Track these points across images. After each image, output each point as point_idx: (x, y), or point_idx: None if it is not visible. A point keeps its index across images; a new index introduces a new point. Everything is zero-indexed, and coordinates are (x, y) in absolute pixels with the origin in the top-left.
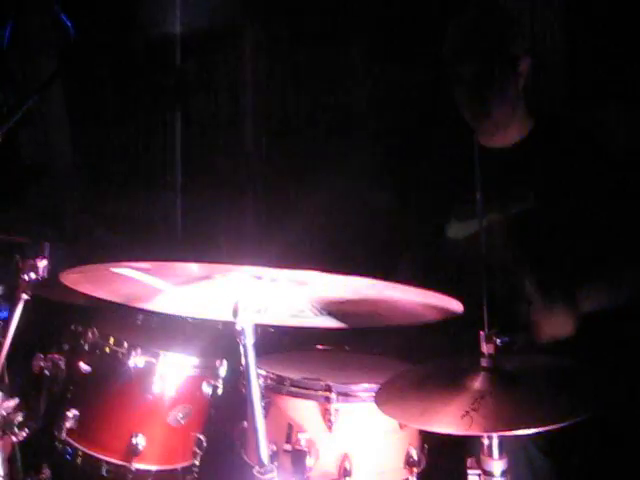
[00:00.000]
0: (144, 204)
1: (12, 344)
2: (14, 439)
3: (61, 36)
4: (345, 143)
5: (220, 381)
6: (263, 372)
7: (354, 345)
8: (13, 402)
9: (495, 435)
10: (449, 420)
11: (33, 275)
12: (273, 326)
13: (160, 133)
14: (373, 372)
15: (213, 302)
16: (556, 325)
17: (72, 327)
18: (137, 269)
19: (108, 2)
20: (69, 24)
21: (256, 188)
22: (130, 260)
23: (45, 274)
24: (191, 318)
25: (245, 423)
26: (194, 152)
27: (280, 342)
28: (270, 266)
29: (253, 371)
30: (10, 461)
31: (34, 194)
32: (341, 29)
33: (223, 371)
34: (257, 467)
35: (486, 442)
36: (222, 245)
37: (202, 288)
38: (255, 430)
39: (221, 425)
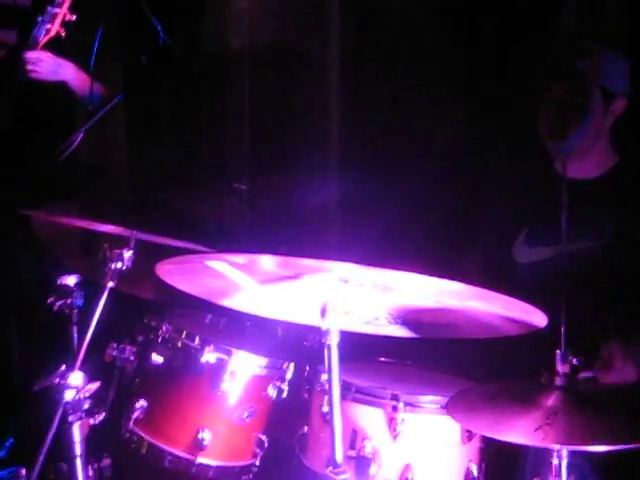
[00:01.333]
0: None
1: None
2: (90, 422)
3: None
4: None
5: (286, 384)
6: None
7: (417, 360)
8: (95, 385)
9: (565, 453)
10: (522, 432)
11: (119, 265)
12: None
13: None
14: (438, 386)
15: (293, 304)
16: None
17: (145, 320)
18: (232, 263)
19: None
20: (159, 28)
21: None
22: (227, 252)
23: (130, 265)
24: (254, 322)
25: (306, 428)
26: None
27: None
28: (363, 266)
29: (336, 372)
30: (87, 443)
31: (89, 194)
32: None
33: (289, 374)
34: (331, 468)
35: (555, 462)
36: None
37: (284, 288)
38: (332, 430)
39: (281, 428)
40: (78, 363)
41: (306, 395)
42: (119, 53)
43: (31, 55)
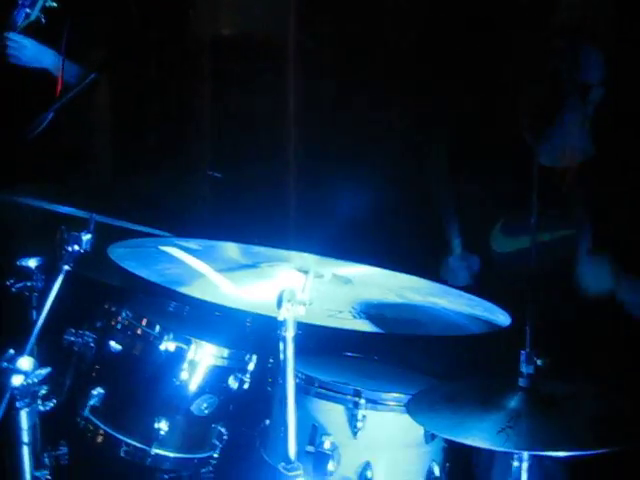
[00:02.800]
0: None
1: (47, 315)
2: (40, 409)
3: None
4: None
5: (248, 376)
6: None
7: (384, 356)
8: (44, 371)
9: (526, 456)
10: (484, 435)
11: (76, 247)
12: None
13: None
14: (402, 383)
15: (253, 293)
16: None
17: (106, 306)
18: (185, 249)
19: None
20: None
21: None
22: (180, 237)
23: (88, 248)
24: (220, 310)
25: (267, 421)
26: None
27: (306, 345)
28: (321, 257)
29: (291, 365)
30: (34, 431)
31: (72, 178)
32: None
33: (252, 366)
34: (283, 464)
35: (515, 464)
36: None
37: (244, 277)
38: (285, 426)
39: (241, 421)
40: (29, 347)
41: (269, 388)
42: (103, 36)
43: (13, 39)
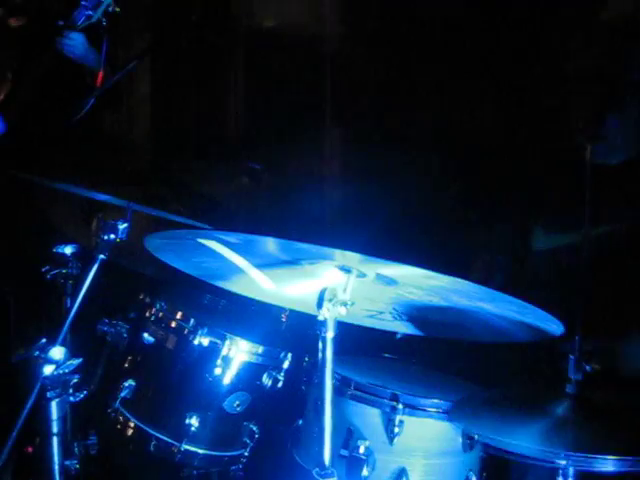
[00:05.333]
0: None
1: (81, 304)
2: (71, 399)
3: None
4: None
5: (282, 374)
6: None
7: (422, 358)
8: (76, 362)
9: (572, 472)
10: (531, 441)
11: (112, 236)
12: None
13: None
14: (440, 388)
15: (292, 290)
16: None
17: (140, 296)
18: (225, 242)
19: None
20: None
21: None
22: (219, 231)
23: (124, 237)
24: (257, 305)
25: (300, 421)
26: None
27: (342, 345)
28: (367, 256)
29: (329, 366)
30: (64, 421)
31: (110, 164)
32: None
33: (286, 364)
34: (317, 469)
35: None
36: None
37: (283, 274)
38: (321, 430)
39: (273, 420)
40: (61, 337)
41: (303, 387)
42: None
43: (70, 34)
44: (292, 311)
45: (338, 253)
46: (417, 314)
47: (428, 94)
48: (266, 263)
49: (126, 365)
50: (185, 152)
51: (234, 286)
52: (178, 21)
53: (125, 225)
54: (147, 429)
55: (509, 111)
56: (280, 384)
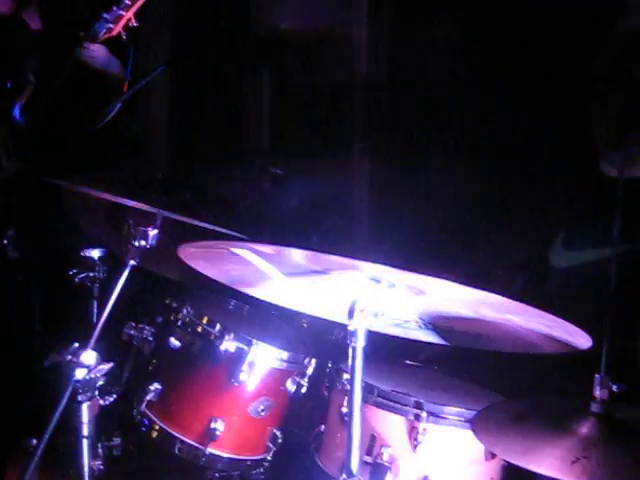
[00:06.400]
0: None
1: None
2: (101, 402)
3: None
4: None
5: (306, 380)
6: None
7: (443, 366)
8: (107, 366)
9: None
10: (557, 464)
11: (143, 243)
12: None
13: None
14: (463, 397)
15: (320, 298)
16: None
17: (167, 301)
18: (258, 253)
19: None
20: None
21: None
22: (254, 242)
23: (154, 243)
24: (278, 311)
25: (322, 427)
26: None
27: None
28: (398, 268)
29: (359, 376)
30: (95, 424)
31: (127, 167)
32: None
33: (310, 370)
34: (345, 476)
35: None
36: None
37: (312, 282)
38: (349, 437)
39: (297, 424)
40: (92, 341)
41: (326, 393)
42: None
43: (90, 46)
44: (312, 317)
45: (369, 265)
46: (443, 324)
47: (453, 107)
48: (295, 272)
49: (152, 369)
50: (206, 156)
51: (261, 293)
52: (202, 27)
53: (155, 232)
54: (172, 432)
55: (535, 124)
56: (304, 390)
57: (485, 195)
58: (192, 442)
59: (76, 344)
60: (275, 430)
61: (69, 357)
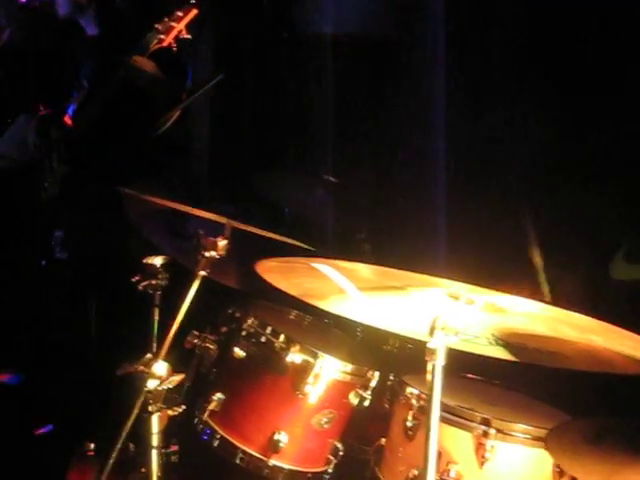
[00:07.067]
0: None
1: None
2: (170, 413)
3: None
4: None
5: (369, 392)
6: (415, 390)
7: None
8: (179, 377)
9: None
10: None
11: (213, 253)
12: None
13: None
14: (527, 413)
15: (394, 313)
16: None
17: (230, 310)
18: (339, 268)
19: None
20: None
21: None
22: (335, 258)
23: (224, 254)
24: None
25: (383, 440)
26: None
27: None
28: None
29: (438, 395)
30: (164, 434)
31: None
32: None
33: (374, 382)
34: None
35: None
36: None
37: (386, 297)
38: (425, 455)
39: (357, 437)
40: (163, 352)
41: (387, 405)
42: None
43: (139, 60)
44: (367, 326)
45: (449, 282)
46: (516, 341)
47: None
48: (369, 286)
49: (215, 378)
50: (260, 162)
51: (332, 306)
52: (253, 35)
53: (225, 242)
54: (234, 442)
55: (599, 137)
56: (367, 403)
57: (549, 208)
58: (255, 453)
59: (149, 354)
60: (336, 443)
61: (141, 367)
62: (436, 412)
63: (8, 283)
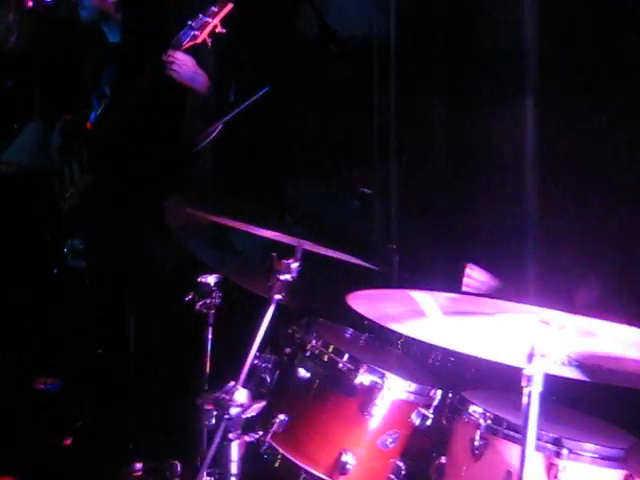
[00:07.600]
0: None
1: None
2: (247, 439)
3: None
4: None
5: (431, 411)
6: (479, 409)
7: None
8: (260, 405)
9: None
10: None
11: (288, 276)
12: None
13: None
14: (592, 432)
15: (475, 336)
16: None
17: (289, 330)
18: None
19: None
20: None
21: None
22: (439, 290)
23: (296, 276)
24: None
25: (444, 458)
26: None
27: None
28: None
29: (534, 422)
30: (243, 461)
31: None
32: None
33: (436, 401)
34: None
35: None
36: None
37: (468, 321)
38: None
39: (418, 456)
40: (242, 379)
41: (445, 422)
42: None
43: (177, 56)
44: (409, 338)
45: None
46: (590, 362)
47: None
48: (453, 311)
49: (277, 399)
50: (294, 172)
51: (412, 330)
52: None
53: (297, 264)
54: (298, 463)
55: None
56: (429, 422)
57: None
58: (321, 474)
59: (232, 382)
60: (398, 462)
61: (224, 395)
62: (532, 440)
63: (15, 289)
